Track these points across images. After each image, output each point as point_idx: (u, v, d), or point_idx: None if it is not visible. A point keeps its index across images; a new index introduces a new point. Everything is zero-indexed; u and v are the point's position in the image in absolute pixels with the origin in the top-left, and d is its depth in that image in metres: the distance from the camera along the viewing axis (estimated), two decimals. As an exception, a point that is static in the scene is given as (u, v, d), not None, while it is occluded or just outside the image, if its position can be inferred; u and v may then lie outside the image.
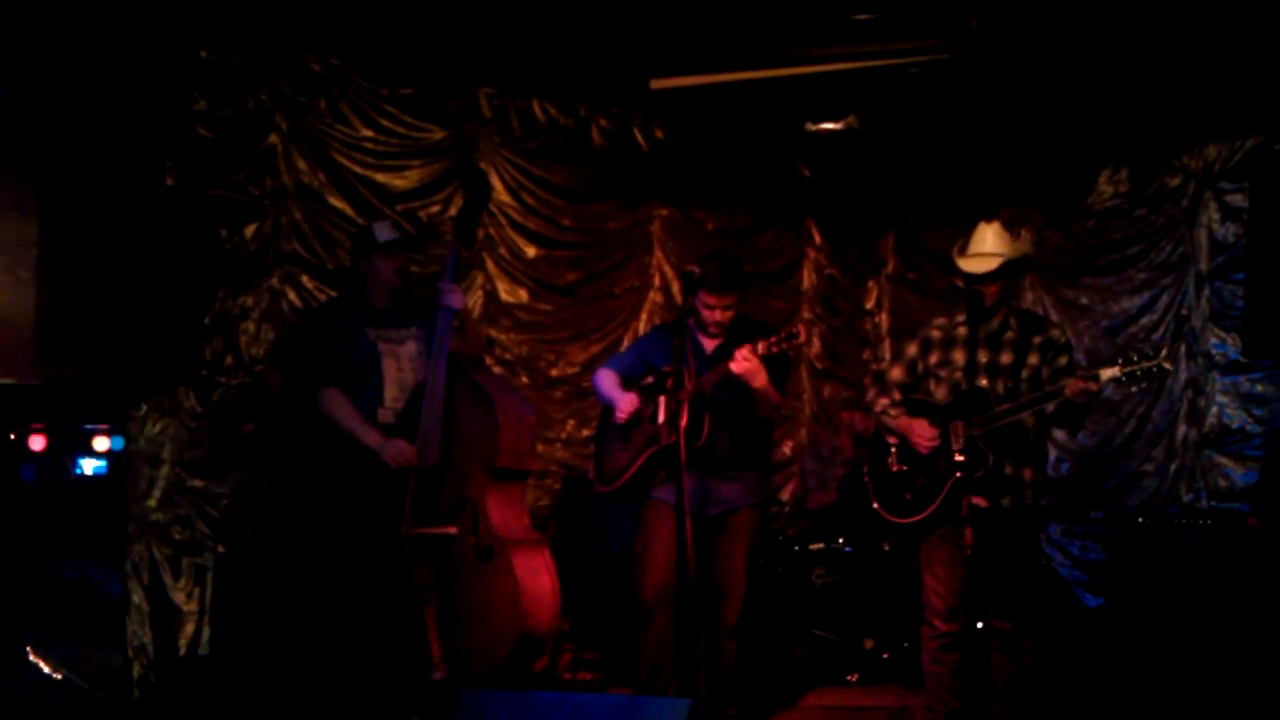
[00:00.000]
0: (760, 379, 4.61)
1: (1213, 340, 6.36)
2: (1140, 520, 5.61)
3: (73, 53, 4.61)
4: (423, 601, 4.76)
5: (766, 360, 4.55)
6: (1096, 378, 4.18)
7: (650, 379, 5.09)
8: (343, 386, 5.00)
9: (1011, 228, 4.70)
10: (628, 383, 5.09)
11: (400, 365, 5.08)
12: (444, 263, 5.17)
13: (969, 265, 4.55)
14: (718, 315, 4.87)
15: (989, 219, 4.66)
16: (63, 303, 4.14)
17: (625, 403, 4.96)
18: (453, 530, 4.76)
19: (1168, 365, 4.17)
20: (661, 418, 4.77)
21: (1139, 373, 4.15)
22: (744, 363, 4.53)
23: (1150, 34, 5.59)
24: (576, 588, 5.33)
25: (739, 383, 4.63)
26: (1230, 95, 6.22)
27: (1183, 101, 6.37)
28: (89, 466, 5.47)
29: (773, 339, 4.50)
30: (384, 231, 5.16)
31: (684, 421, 4.43)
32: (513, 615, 4.63)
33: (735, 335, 4.86)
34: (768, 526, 5.33)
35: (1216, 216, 6.39)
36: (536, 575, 4.76)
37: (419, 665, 4.72)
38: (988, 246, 4.55)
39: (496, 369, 6.37)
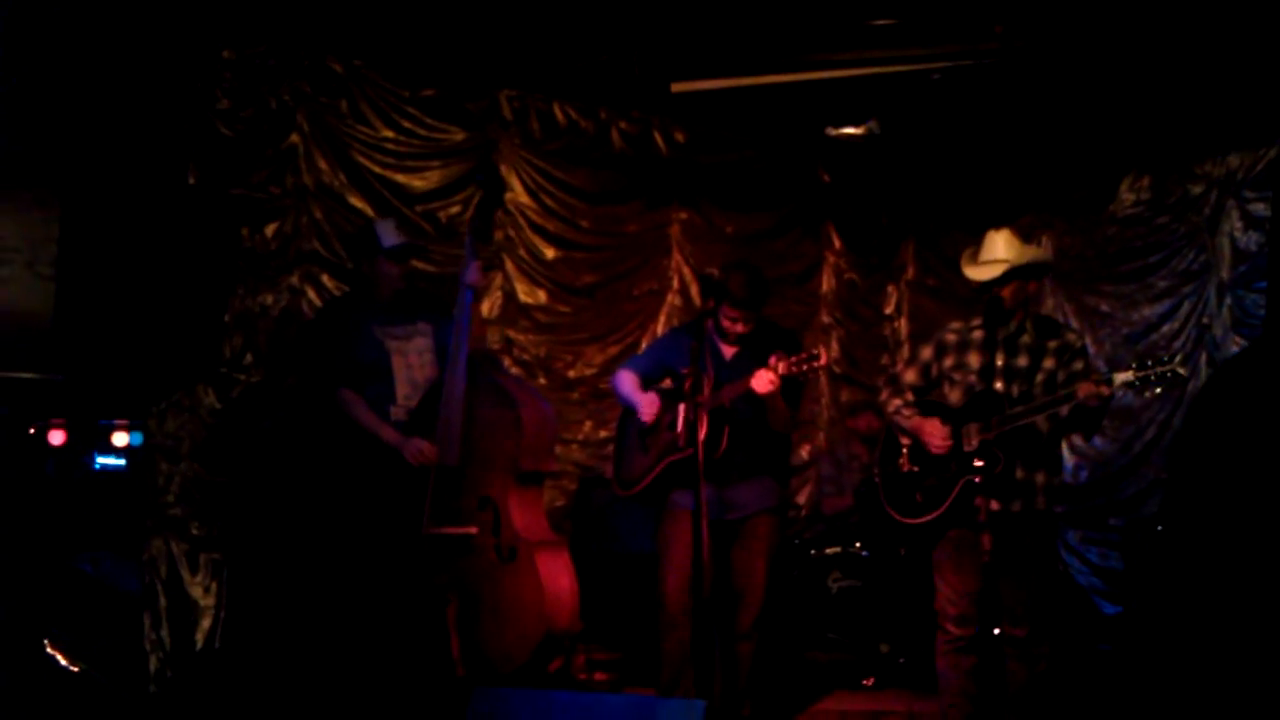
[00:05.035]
0: (779, 398, 4.63)
1: (1234, 349, 6.31)
2: (1159, 528, 5.56)
3: (96, 53, 4.65)
4: (444, 601, 4.75)
5: (784, 379, 4.55)
6: (1110, 381, 4.18)
7: (668, 383, 5.08)
8: (354, 385, 4.95)
9: (1022, 234, 4.69)
10: (646, 385, 5.08)
11: (409, 362, 5.03)
12: (463, 259, 5.05)
13: (975, 273, 4.57)
14: (739, 328, 4.87)
15: (998, 227, 4.66)
16: (83, 299, 4.18)
17: (648, 404, 4.96)
18: (473, 530, 4.73)
19: (1182, 370, 4.15)
20: (680, 426, 4.76)
21: (1153, 377, 4.14)
22: (768, 384, 4.52)
23: (1174, 42, 5.56)
24: (592, 589, 5.32)
25: (758, 396, 4.63)
26: (1253, 104, 6.19)
27: (1205, 110, 6.33)
28: (108, 462, 5.49)
29: (793, 360, 4.49)
30: (389, 235, 5.06)
31: (703, 433, 4.41)
32: (537, 617, 4.60)
33: (755, 341, 4.85)
34: (784, 531, 5.32)
35: (1239, 225, 6.36)
36: (558, 576, 4.73)
37: (439, 665, 4.71)
38: (997, 254, 4.56)
39: (514, 369, 6.38)
